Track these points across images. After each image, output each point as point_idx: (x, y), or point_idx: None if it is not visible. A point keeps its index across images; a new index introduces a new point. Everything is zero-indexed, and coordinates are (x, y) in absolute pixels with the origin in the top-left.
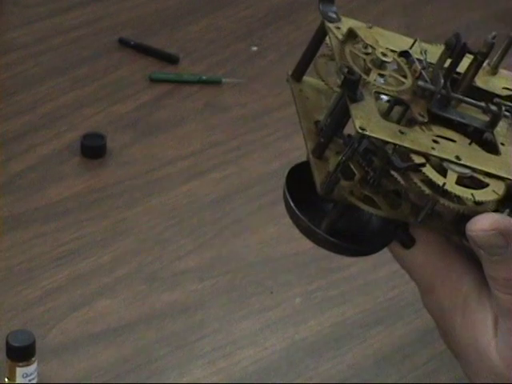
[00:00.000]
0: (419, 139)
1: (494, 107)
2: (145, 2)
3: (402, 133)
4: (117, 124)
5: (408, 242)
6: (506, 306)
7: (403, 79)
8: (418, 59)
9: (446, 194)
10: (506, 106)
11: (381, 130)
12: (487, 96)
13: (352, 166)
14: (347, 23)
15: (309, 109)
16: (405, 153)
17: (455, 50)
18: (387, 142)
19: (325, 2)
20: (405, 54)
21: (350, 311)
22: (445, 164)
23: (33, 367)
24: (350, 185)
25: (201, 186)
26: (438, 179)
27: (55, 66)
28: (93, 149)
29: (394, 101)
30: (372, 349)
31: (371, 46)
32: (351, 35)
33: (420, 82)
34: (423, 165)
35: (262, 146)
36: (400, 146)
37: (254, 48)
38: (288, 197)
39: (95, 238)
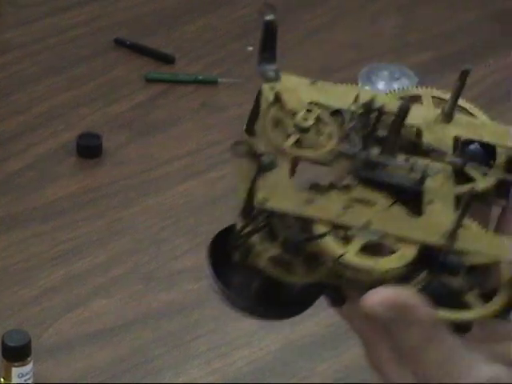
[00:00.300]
0: (328, 206)
1: (420, 164)
2: (141, 2)
3: (309, 201)
4: (113, 124)
5: (338, 301)
6: (416, 375)
7: (325, 142)
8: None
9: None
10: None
11: (285, 200)
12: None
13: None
14: (286, 82)
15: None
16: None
17: (369, 112)
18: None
19: (264, 59)
20: (337, 113)
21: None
22: (350, 232)
23: (28, 367)
24: (262, 250)
25: (197, 185)
26: (336, 250)
27: (51, 65)
28: (89, 148)
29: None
30: None
31: (292, 111)
32: (278, 98)
33: (338, 146)
34: (322, 235)
35: None
36: (302, 215)
37: (250, 48)
38: (210, 267)
39: (91, 238)
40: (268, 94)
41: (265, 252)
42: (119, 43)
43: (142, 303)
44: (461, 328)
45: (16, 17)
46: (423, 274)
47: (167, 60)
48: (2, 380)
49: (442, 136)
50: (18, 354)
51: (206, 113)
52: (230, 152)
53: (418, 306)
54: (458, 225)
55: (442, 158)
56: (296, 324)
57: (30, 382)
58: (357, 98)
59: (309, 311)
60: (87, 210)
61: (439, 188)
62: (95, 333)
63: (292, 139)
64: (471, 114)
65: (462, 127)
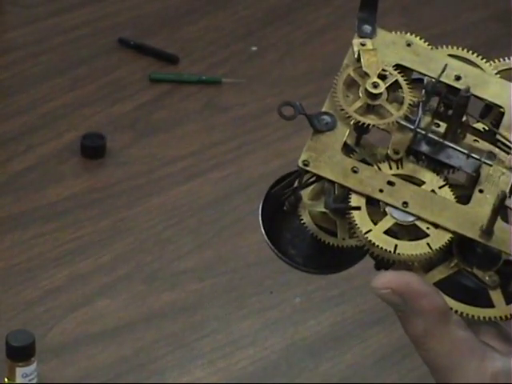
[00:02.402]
0: (370, 179)
1: (475, 155)
2: (144, 2)
3: (354, 171)
4: (116, 124)
5: (381, 265)
6: (424, 361)
7: (393, 111)
8: (427, 90)
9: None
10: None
11: (327, 167)
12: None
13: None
14: (381, 38)
15: None
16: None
17: (429, 94)
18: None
19: (362, 19)
20: (417, 81)
21: (350, 311)
22: (387, 209)
23: (32, 367)
24: (309, 205)
25: (200, 186)
26: (364, 226)
27: (55, 66)
28: (92, 149)
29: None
30: (371, 348)
31: (366, 74)
32: (358, 58)
33: (399, 119)
34: (356, 208)
35: (261, 145)
36: (341, 185)
37: (254, 48)
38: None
39: (95, 238)
40: (355, 50)
41: (310, 207)
42: (123, 43)
43: (146, 303)
44: (505, 317)
45: (19, 17)
46: (452, 263)
47: (171, 60)
48: (6, 380)
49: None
50: (22, 353)
51: (210, 113)
52: (277, 112)
53: (424, 295)
54: (492, 222)
55: (509, 149)
56: (300, 323)
57: (34, 381)
58: (445, 68)
59: (312, 311)
60: (91, 210)
61: (495, 179)
62: (99, 333)
63: (358, 104)
64: None
65: None
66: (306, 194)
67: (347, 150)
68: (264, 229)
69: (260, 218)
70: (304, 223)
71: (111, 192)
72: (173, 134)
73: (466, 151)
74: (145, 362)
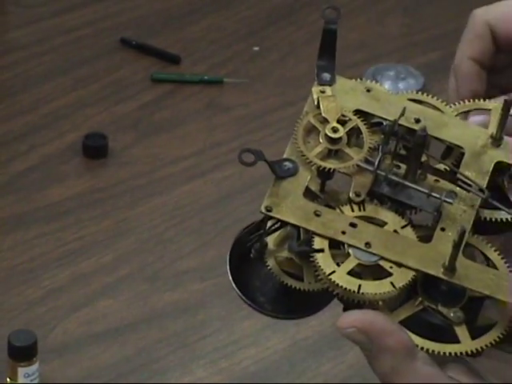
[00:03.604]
0: (332, 222)
1: (436, 194)
2: (146, 2)
3: (316, 214)
4: (118, 124)
5: (350, 307)
6: None
7: (353, 154)
8: (388, 133)
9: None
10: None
11: (290, 211)
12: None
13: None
14: (339, 85)
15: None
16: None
17: (386, 134)
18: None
19: (321, 67)
20: (378, 125)
21: None
22: (350, 250)
23: (34, 367)
24: (274, 251)
25: (202, 186)
26: (328, 267)
27: (57, 66)
28: (95, 149)
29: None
30: None
31: (325, 120)
32: (318, 104)
33: (359, 162)
34: (319, 250)
35: (263, 146)
36: (304, 228)
37: (256, 48)
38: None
39: (97, 238)
40: (314, 97)
41: (276, 253)
42: (125, 43)
43: (148, 303)
44: (471, 352)
45: (21, 17)
46: (417, 301)
47: (173, 60)
48: (8, 380)
49: (482, 162)
50: (24, 353)
51: (212, 113)
52: (238, 159)
53: (389, 333)
54: (454, 259)
55: (470, 187)
56: (302, 323)
57: (35, 381)
58: (404, 111)
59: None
60: (93, 210)
61: (457, 217)
62: (101, 333)
63: (318, 149)
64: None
65: (506, 153)
66: (271, 240)
67: (312, 196)
68: (232, 276)
69: (228, 266)
70: (270, 269)
71: (113, 192)
72: (175, 134)
73: (426, 191)
74: (147, 361)
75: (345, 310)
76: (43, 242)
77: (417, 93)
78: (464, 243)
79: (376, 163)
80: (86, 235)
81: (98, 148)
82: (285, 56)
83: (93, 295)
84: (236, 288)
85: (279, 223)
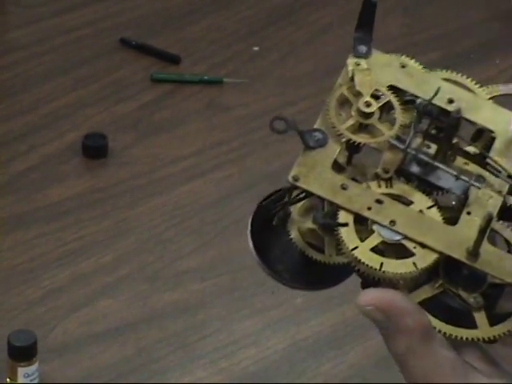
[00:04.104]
0: (359, 197)
1: (464, 177)
2: (146, 2)
3: (343, 188)
4: (118, 124)
5: (368, 284)
6: (406, 380)
7: (385, 130)
8: (420, 111)
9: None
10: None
11: (317, 183)
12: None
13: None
14: (375, 59)
15: None
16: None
17: (419, 113)
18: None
19: (358, 39)
20: (411, 102)
21: (351, 311)
22: (374, 227)
23: (34, 367)
24: (297, 221)
25: (202, 185)
26: (351, 242)
27: (57, 66)
28: (94, 149)
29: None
30: (373, 349)
31: (359, 93)
32: (352, 77)
33: (390, 139)
34: (344, 224)
35: (263, 145)
36: (329, 201)
37: (256, 48)
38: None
39: (97, 238)
40: (349, 69)
41: (299, 223)
42: (125, 43)
43: (148, 303)
44: (488, 339)
45: (21, 17)
46: (437, 283)
47: (173, 60)
48: (8, 380)
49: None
50: (24, 353)
51: (212, 113)
52: (269, 127)
53: (408, 313)
54: (478, 244)
55: (499, 173)
56: (302, 323)
57: (35, 381)
58: (438, 90)
59: (314, 311)
60: (93, 210)
61: (483, 202)
62: (101, 333)
63: (350, 122)
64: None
65: None
66: (295, 209)
67: (338, 168)
68: (253, 242)
69: (249, 231)
70: (292, 239)
71: (113, 192)
72: (174, 134)
73: (455, 173)
74: (147, 361)
75: (363, 285)
76: (43, 242)
77: (452, 72)
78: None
79: (407, 142)
80: (86, 235)
81: (97, 148)
82: (285, 56)
83: (93, 295)
84: (256, 255)
85: (304, 193)
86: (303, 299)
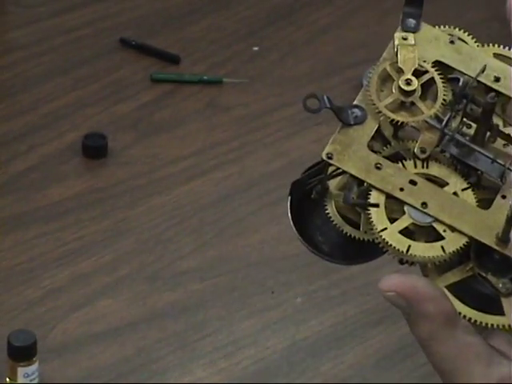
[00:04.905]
0: (392, 177)
1: (500, 161)
2: (146, 2)
3: (377, 167)
4: (118, 124)
5: (403, 262)
6: (431, 363)
7: (424, 109)
8: (462, 92)
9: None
10: None
11: (351, 161)
12: None
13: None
14: (423, 33)
15: None
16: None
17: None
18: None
19: (407, 14)
20: (455, 80)
21: (351, 311)
22: (405, 208)
23: (34, 367)
24: (335, 195)
25: (202, 185)
26: (380, 224)
27: (56, 66)
28: (94, 149)
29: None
30: (373, 349)
31: (401, 70)
32: (397, 52)
33: (427, 118)
34: (375, 205)
35: (263, 145)
36: (362, 180)
37: (256, 48)
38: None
39: (96, 238)
40: (396, 44)
41: (337, 198)
42: (124, 43)
43: (147, 303)
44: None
45: (21, 17)
46: (467, 267)
47: (172, 60)
48: (8, 380)
49: None
50: (24, 353)
51: (212, 113)
52: (302, 105)
53: (430, 299)
54: (507, 231)
55: None
56: (301, 323)
57: (35, 381)
58: (484, 68)
59: (313, 311)
60: (92, 210)
61: None
62: (100, 333)
63: (389, 99)
64: None
65: None
66: (333, 183)
67: (383, 141)
68: (291, 215)
69: (288, 204)
70: (328, 213)
71: (113, 192)
72: (174, 134)
73: (491, 156)
74: (146, 361)
75: (401, 262)
76: (43, 242)
77: (504, 48)
78: None
79: (444, 122)
80: (86, 235)
81: (97, 148)
82: (284, 56)
83: (92, 295)
84: (294, 228)
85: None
86: (303, 299)
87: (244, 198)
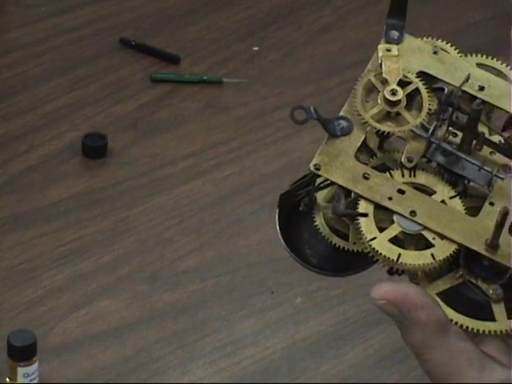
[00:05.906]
0: (380, 186)
1: (487, 168)
2: (146, 2)
3: (365, 177)
4: (118, 124)
5: (393, 272)
6: (423, 370)
7: (410, 119)
8: (447, 101)
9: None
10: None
11: (338, 171)
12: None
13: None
14: (406, 44)
15: None
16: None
17: (443, 104)
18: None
19: (390, 25)
20: (439, 90)
21: (351, 311)
22: (394, 217)
23: (34, 367)
24: (322, 207)
25: (201, 185)
26: (369, 233)
27: (56, 66)
28: (94, 149)
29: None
30: (373, 349)
31: (386, 80)
32: (380, 64)
33: (414, 128)
34: (363, 215)
35: (262, 146)
36: (350, 191)
37: (255, 48)
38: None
39: (96, 238)
40: (379, 55)
41: (324, 209)
42: (124, 43)
43: (147, 303)
44: (506, 332)
45: (20, 17)
46: (458, 274)
47: (172, 60)
48: (8, 380)
49: None
50: (24, 353)
51: (211, 113)
52: (290, 117)
53: (422, 306)
54: (496, 237)
55: None
56: (301, 323)
57: (35, 381)
58: (468, 77)
59: (313, 311)
60: (92, 210)
61: (508, 192)
62: (100, 333)
63: (375, 110)
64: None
65: None
66: (321, 195)
67: (369, 153)
68: (279, 228)
69: (276, 218)
70: (317, 225)
71: (112, 192)
72: (174, 134)
73: (478, 163)
74: (146, 361)
75: (390, 273)
76: (42, 242)
77: (487, 57)
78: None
79: (430, 131)
80: (86, 235)
81: (97, 148)
82: (284, 56)
83: (92, 295)
84: (283, 241)
85: (329, 181)
86: (303, 299)
87: (243, 198)
